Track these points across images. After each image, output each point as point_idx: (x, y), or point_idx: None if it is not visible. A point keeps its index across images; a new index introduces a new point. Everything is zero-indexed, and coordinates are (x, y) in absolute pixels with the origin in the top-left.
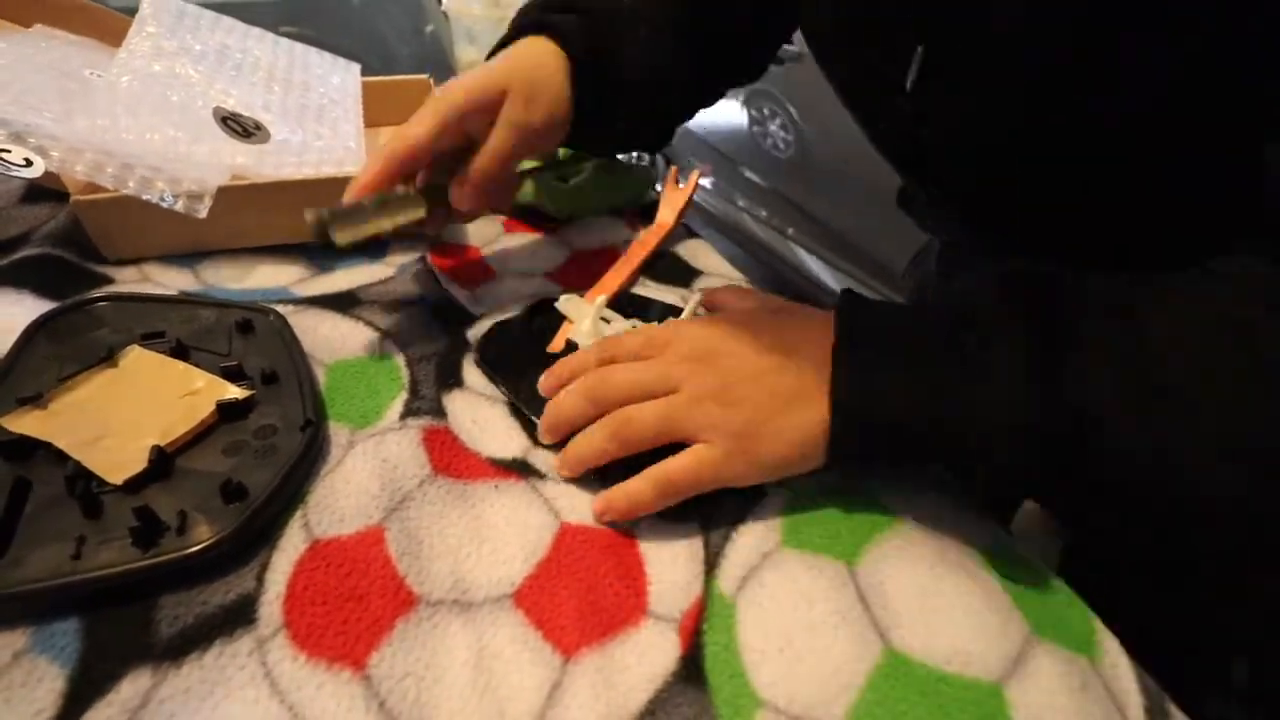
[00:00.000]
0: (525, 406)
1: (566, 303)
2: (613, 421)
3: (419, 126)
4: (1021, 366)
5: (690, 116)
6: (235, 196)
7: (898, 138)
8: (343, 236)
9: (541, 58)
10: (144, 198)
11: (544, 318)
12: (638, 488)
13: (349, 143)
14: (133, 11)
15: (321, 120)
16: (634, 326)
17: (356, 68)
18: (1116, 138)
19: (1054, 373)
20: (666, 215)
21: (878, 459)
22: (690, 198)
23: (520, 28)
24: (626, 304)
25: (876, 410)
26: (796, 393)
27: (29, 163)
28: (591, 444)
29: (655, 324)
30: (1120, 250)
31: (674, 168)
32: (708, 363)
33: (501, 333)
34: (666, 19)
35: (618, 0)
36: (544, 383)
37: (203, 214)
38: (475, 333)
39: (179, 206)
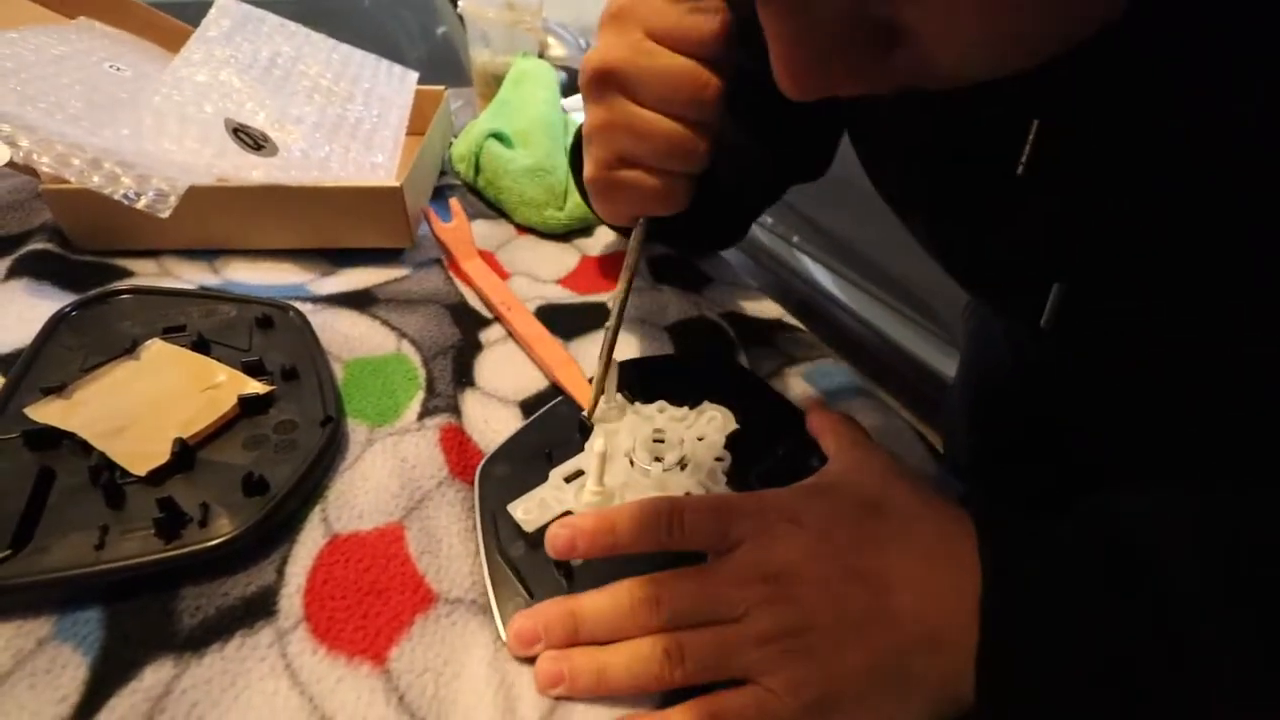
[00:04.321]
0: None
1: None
2: (665, 665)
3: None
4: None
5: (757, 214)
6: (206, 198)
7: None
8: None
9: None
10: (106, 193)
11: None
12: None
13: (376, 157)
14: (172, 8)
15: (355, 134)
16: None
17: (413, 77)
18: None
19: None
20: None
21: None
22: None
23: None
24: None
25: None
26: (900, 668)
27: None
28: (636, 677)
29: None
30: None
31: None
32: (783, 586)
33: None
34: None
35: None
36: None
37: (166, 214)
38: (488, 335)
39: (141, 205)
